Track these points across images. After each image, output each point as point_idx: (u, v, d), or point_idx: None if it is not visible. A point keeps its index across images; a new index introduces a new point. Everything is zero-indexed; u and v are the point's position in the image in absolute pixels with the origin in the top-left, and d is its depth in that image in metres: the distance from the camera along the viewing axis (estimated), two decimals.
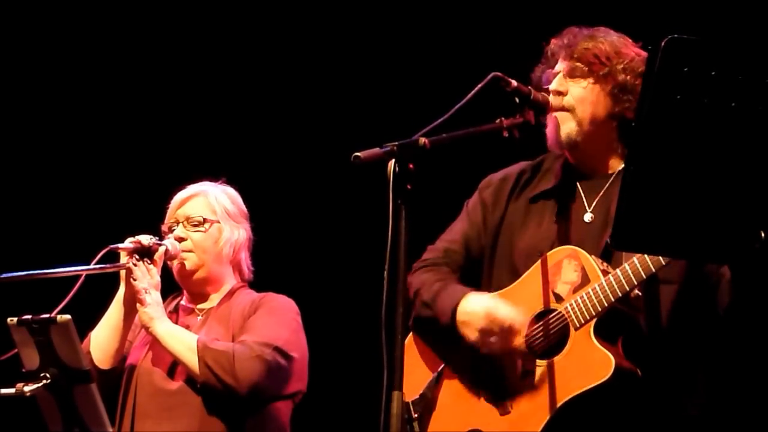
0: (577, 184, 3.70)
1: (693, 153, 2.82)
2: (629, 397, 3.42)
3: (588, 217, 3.64)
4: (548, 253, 3.57)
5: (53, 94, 6.05)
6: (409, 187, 3.12)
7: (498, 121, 3.63)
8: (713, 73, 2.76)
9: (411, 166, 3.14)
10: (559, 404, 3.41)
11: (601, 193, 3.65)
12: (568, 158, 3.73)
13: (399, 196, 3.11)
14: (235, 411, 3.95)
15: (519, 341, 3.51)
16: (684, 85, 2.76)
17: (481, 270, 3.76)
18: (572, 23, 3.80)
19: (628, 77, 3.62)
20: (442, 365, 3.68)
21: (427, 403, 3.64)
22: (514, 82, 3.56)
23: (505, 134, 3.73)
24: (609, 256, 3.53)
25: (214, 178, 4.31)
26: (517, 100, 3.58)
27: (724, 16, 4.80)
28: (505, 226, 3.74)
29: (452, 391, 3.65)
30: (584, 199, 3.67)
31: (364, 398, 3.74)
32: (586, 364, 3.40)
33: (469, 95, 3.53)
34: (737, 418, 4.77)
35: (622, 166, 3.63)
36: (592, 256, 3.51)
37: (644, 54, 3.64)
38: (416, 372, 3.66)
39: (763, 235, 2.89)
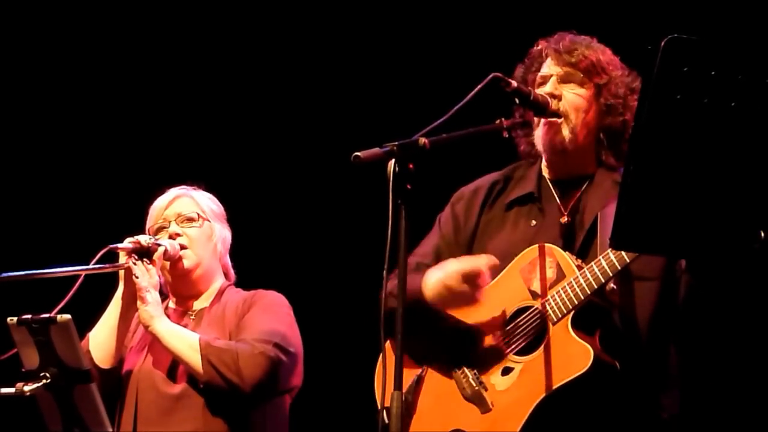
0: (552, 188, 3.72)
1: (693, 153, 2.83)
2: (607, 389, 3.43)
3: (564, 219, 3.66)
4: (523, 252, 3.58)
5: (51, 95, 6.05)
6: (408, 187, 3.13)
7: (498, 121, 3.64)
8: (713, 72, 2.77)
9: (411, 166, 3.15)
10: (539, 399, 3.40)
11: (577, 196, 3.68)
12: (545, 162, 3.74)
13: (399, 195, 3.12)
14: (238, 409, 3.94)
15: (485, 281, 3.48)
16: (684, 84, 2.77)
17: None
18: (571, 24, 3.80)
19: (621, 90, 3.66)
20: (422, 368, 3.66)
21: (407, 406, 3.61)
22: (514, 83, 3.57)
23: (505, 135, 3.74)
24: (584, 255, 3.54)
25: (191, 182, 4.30)
26: (517, 100, 3.59)
27: (724, 16, 4.80)
28: (480, 235, 3.74)
29: (432, 392, 3.64)
30: (559, 202, 3.69)
31: (361, 396, 3.75)
32: (566, 357, 3.40)
33: (469, 96, 3.53)
34: (712, 415, 4.78)
35: (596, 168, 3.67)
36: (566, 252, 3.52)
37: (629, 70, 3.68)
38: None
39: (762, 235, 2.89)
